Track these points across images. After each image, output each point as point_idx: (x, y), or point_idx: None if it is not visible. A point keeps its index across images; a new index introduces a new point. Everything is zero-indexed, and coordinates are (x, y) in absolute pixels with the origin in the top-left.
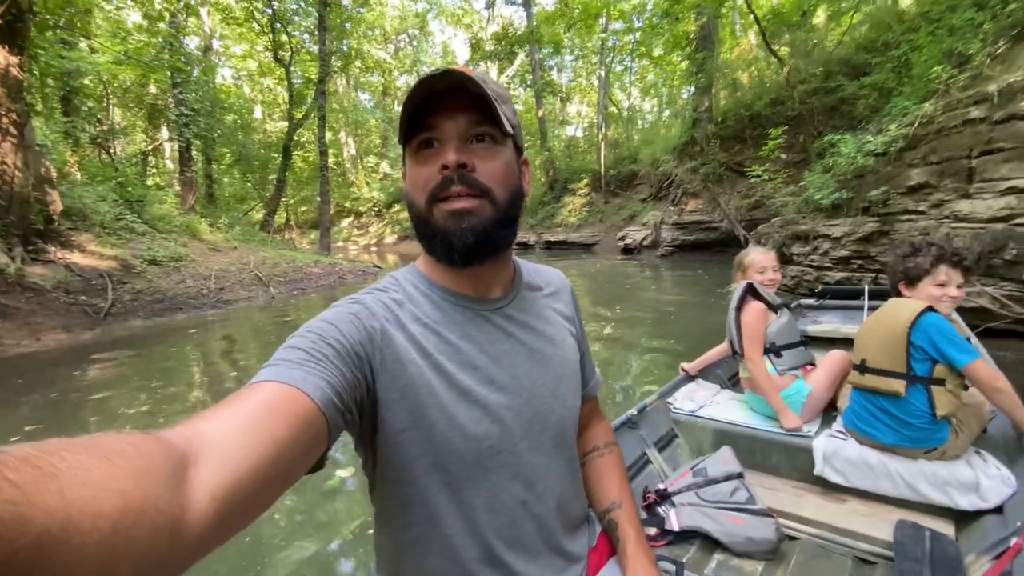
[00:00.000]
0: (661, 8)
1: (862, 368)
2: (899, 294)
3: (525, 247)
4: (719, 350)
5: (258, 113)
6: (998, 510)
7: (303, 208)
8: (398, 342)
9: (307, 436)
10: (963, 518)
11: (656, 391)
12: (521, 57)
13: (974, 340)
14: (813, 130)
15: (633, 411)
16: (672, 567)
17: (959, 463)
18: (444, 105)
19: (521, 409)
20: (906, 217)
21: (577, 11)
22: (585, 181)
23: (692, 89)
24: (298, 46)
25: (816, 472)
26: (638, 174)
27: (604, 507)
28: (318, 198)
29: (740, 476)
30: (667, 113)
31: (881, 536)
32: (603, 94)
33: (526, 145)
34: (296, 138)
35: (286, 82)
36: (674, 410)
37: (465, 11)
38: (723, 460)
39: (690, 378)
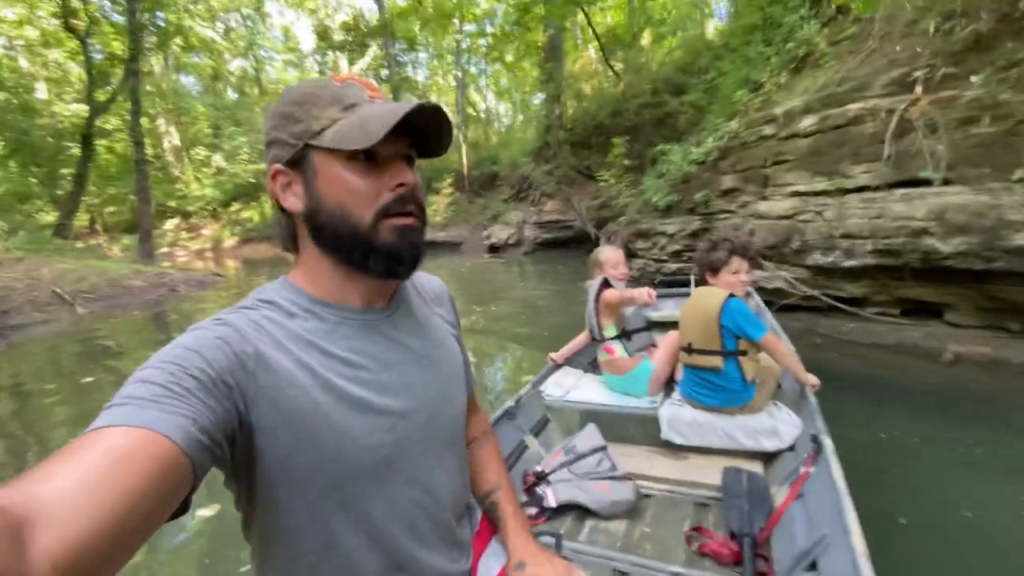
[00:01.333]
0: (510, 17)
1: (689, 350)
2: (706, 282)
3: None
4: (581, 339)
5: (42, 92)
6: (792, 448)
7: (112, 208)
8: (276, 364)
9: (166, 482)
10: (769, 458)
11: (530, 381)
12: (374, 50)
13: (768, 314)
14: (646, 140)
15: (510, 403)
16: (552, 540)
17: (762, 415)
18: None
19: (415, 415)
20: (723, 216)
21: (430, 9)
22: (449, 180)
23: (543, 96)
24: (97, 14)
25: (663, 436)
26: (499, 175)
27: (485, 491)
28: (132, 197)
29: (604, 448)
30: (520, 118)
31: (713, 482)
32: (461, 95)
33: None
34: (99, 125)
35: (83, 57)
36: (546, 397)
37: None
38: (588, 436)
39: (558, 366)
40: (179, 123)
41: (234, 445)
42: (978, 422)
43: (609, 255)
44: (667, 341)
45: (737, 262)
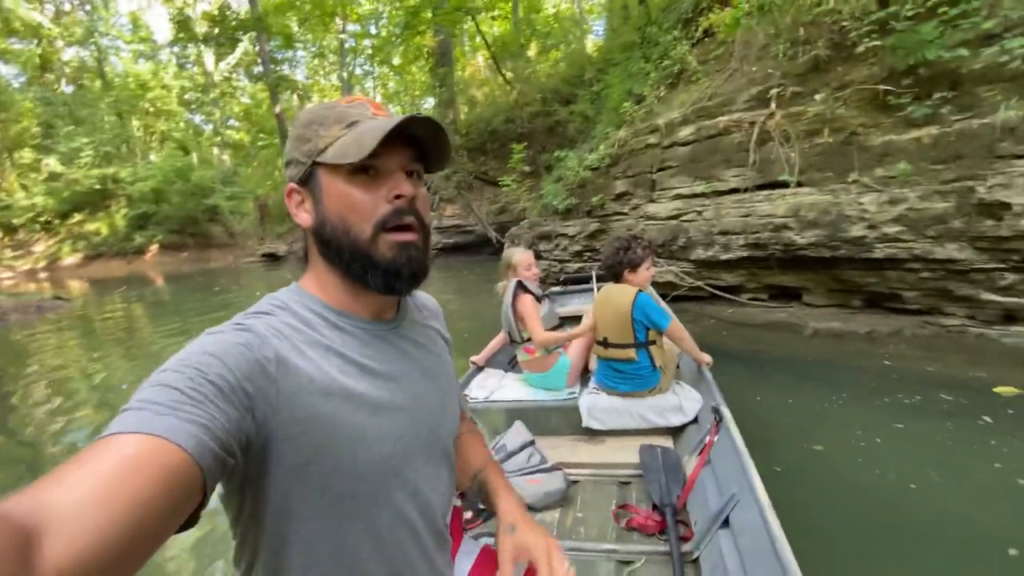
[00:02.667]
0: (396, 20)
1: (605, 344)
2: (619, 279)
3: (274, 258)
4: (498, 340)
5: None
6: (695, 420)
7: None
8: (297, 371)
9: (178, 494)
10: (677, 432)
11: None
12: (245, 46)
13: (664, 304)
14: (539, 146)
15: None
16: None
17: (668, 394)
18: (388, 136)
19: (420, 425)
20: (616, 218)
21: (308, 6)
22: None
23: (433, 101)
24: None
25: (583, 424)
26: None
27: (475, 468)
28: None
29: (532, 443)
30: None
31: (632, 461)
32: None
33: (265, 142)
34: None
35: None
36: (470, 400)
37: None
38: (516, 433)
39: (480, 369)
40: None
41: (248, 454)
42: (832, 381)
43: (521, 257)
44: (579, 340)
45: (650, 259)
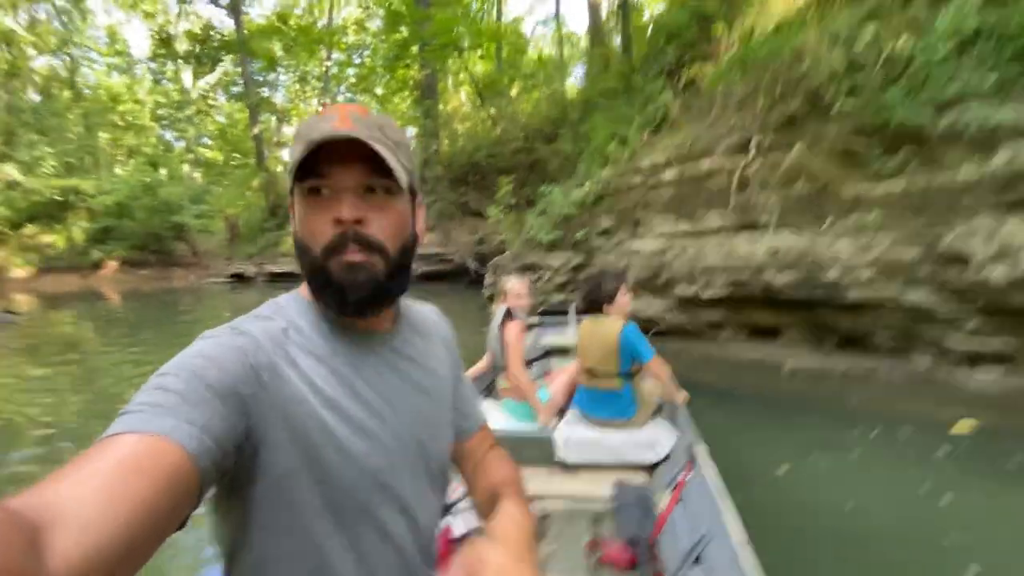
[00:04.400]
0: (381, 53)
1: (591, 373)
2: (596, 311)
3: (242, 279)
4: (482, 365)
5: None
6: (667, 458)
7: None
8: (288, 378)
9: (179, 493)
10: (651, 468)
11: None
12: (227, 66)
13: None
14: (520, 181)
15: None
16: None
17: (645, 430)
18: (339, 152)
19: (408, 441)
20: (601, 253)
21: (293, 33)
22: None
23: (415, 131)
24: None
25: (558, 456)
26: None
27: (490, 493)
28: None
29: None
30: None
31: (605, 495)
32: None
33: (238, 161)
34: None
35: None
36: None
37: None
38: None
39: None
40: None
41: (239, 459)
42: (809, 419)
43: (513, 285)
44: (564, 375)
45: (624, 288)
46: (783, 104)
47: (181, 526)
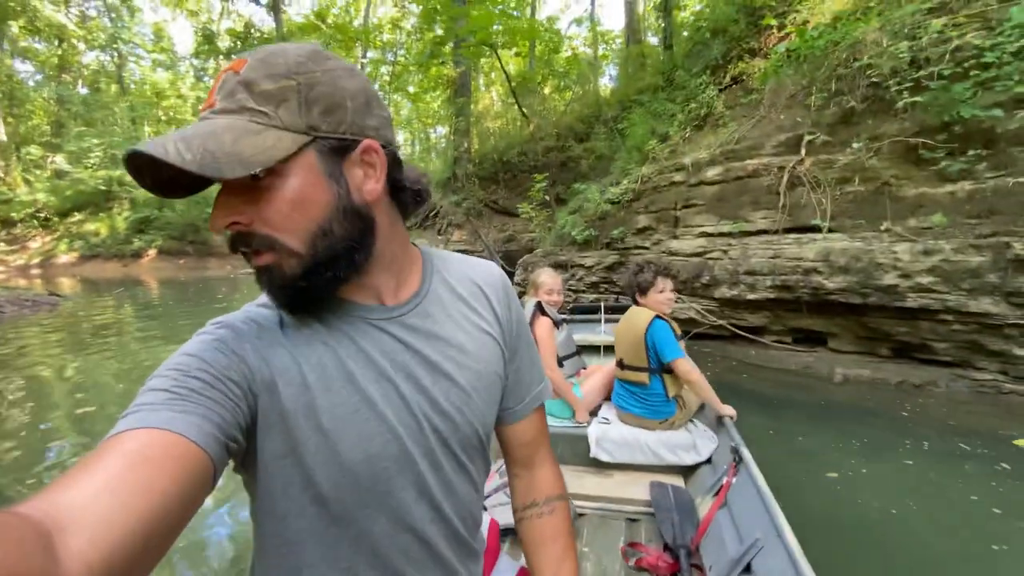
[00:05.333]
0: (413, 51)
1: (621, 365)
2: (636, 303)
3: None
4: None
5: None
6: (709, 461)
7: None
8: (274, 362)
9: (190, 480)
10: (689, 471)
11: None
12: None
13: (680, 340)
14: (551, 179)
15: None
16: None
17: (682, 431)
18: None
19: (421, 426)
20: (637, 251)
21: (330, 31)
22: None
23: (442, 129)
24: None
25: (591, 455)
26: None
27: None
28: None
29: None
30: (418, 148)
31: (641, 497)
32: None
33: None
34: None
35: None
36: None
37: None
38: None
39: None
40: (10, 115)
41: (248, 439)
42: (861, 430)
43: (547, 279)
44: (600, 373)
45: (661, 282)
46: (840, 100)
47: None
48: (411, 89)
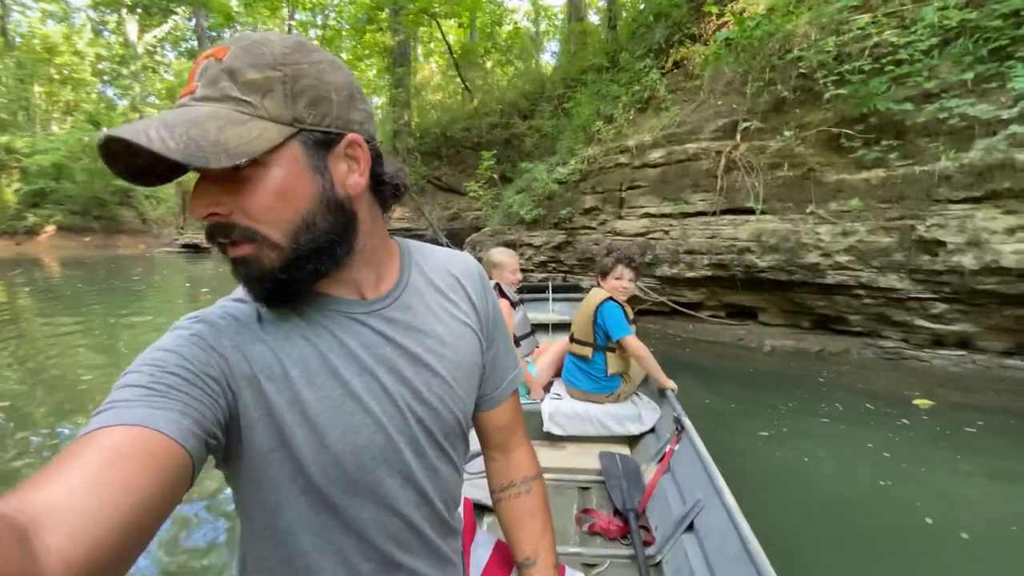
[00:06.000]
0: (345, 15)
1: (572, 339)
2: (598, 284)
3: (197, 250)
4: None
5: None
6: (652, 430)
7: None
8: (255, 357)
9: (168, 476)
10: (634, 440)
11: None
12: (177, 19)
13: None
14: (497, 157)
15: None
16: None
17: (628, 404)
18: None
19: (405, 416)
20: (584, 231)
21: None
22: None
23: (378, 99)
24: None
25: (544, 429)
26: None
27: (519, 560)
28: None
29: None
30: None
31: (592, 467)
32: None
33: None
34: None
35: None
36: None
37: None
38: (476, 437)
39: None
40: None
41: (228, 436)
42: (791, 393)
43: (505, 259)
44: (551, 351)
45: (620, 270)
46: (773, 89)
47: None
48: (344, 56)
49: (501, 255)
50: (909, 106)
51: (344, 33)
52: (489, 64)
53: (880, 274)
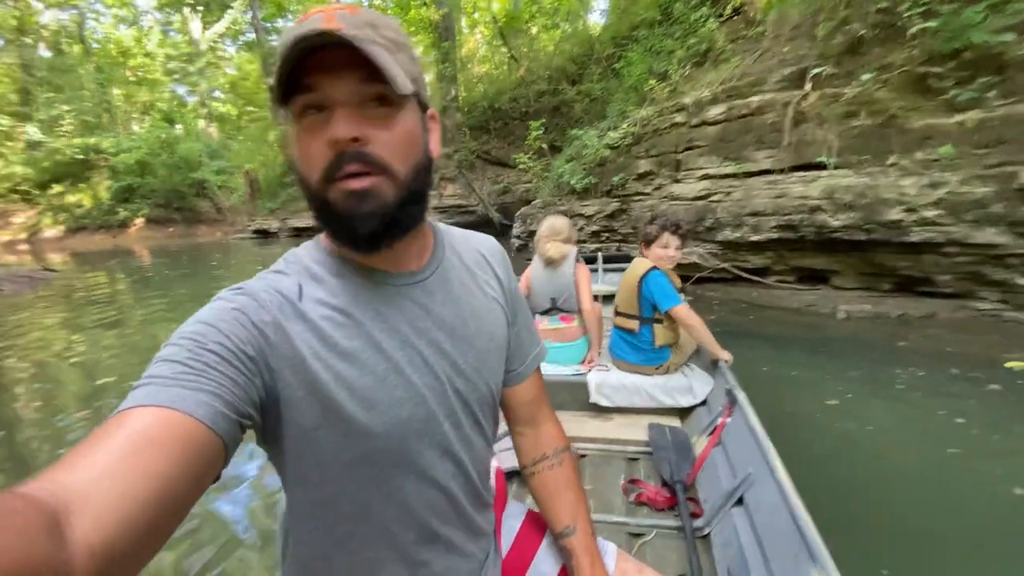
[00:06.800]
0: None
1: (616, 312)
2: (642, 253)
3: (266, 235)
4: None
5: None
6: (704, 402)
7: None
8: (297, 334)
9: (196, 461)
10: (685, 412)
11: None
12: (234, 13)
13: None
14: (546, 126)
15: None
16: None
17: (678, 375)
18: (327, 60)
19: (444, 388)
20: (638, 197)
21: None
22: None
23: (426, 77)
24: None
25: (591, 400)
26: None
27: (557, 531)
28: None
29: None
30: None
31: (640, 438)
32: None
33: (253, 115)
34: None
35: None
36: None
37: None
38: None
39: None
40: None
41: (264, 414)
42: (864, 360)
43: (572, 231)
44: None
45: (667, 237)
46: (847, 28)
47: (215, 479)
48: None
49: (568, 224)
50: (1010, 37)
51: (390, 12)
52: (535, 30)
53: (975, 228)
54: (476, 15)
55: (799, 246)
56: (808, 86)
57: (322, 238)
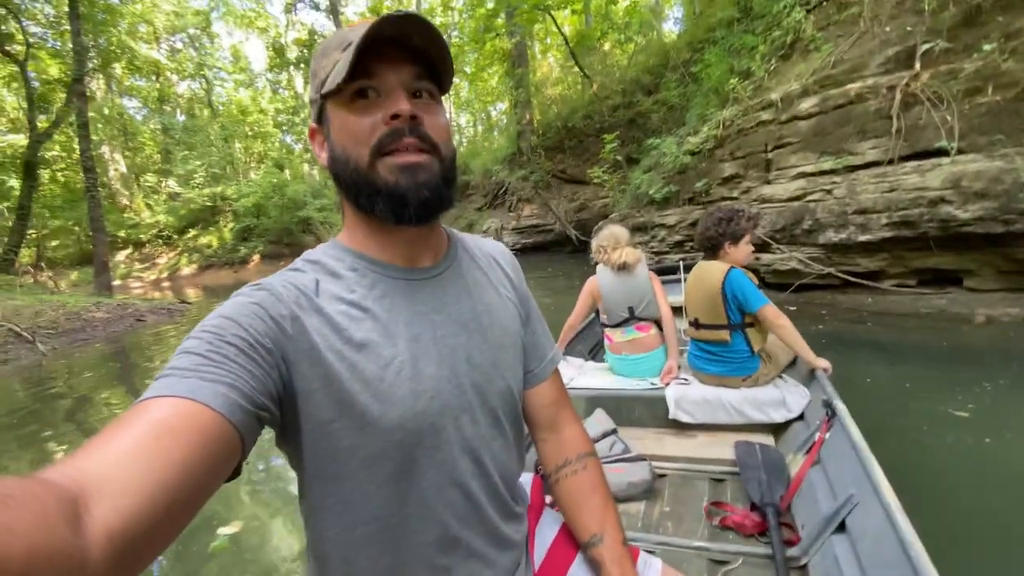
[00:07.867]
0: (466, 30)
1: (696, 325)
2: (716, 254)
3: None
4: (574, 325)
5: None
6: (801, 417)
7: (56, 242)
8: (313, 327)
9: (213, 451)
10: (779, 428)
11: None
12: None
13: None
14: (621, 139)
15: None
16: None
17: (769, 387)
18: (387, 53)
19: (460, 382)
20: (724, 203)
21: None
22: None
23: (502, 105)
24: (35, 39)
25: (671, 416)
26: (470, 184)
27: (584, 540)
28: (78, 228)
29: (614, 432)
30: (481, 128)
31: (726, 457)
32: None
33: None
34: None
35: (20, 84)
36: None
37: (258, 13)
38: (598, 421)
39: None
40: (126, 149)
41: (282, 407)
42: (1006, 370)
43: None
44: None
45: (752, 233)
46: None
47: (234, 476)
48: (468, 69)
49: (624, 232)
50: None
51: (467, 48)
52: (607, 46)
53: None
54: (548, 40)
55: (920, 245)
56: (918, 65)
57: (341, 237)
